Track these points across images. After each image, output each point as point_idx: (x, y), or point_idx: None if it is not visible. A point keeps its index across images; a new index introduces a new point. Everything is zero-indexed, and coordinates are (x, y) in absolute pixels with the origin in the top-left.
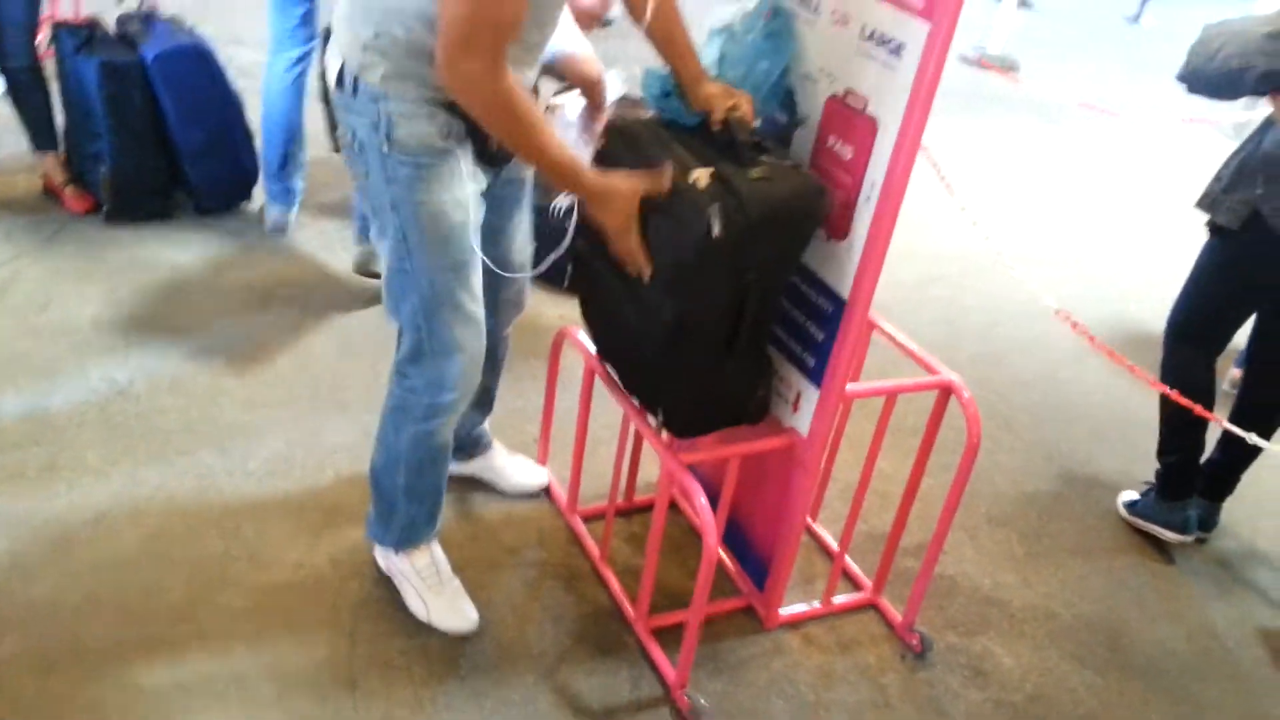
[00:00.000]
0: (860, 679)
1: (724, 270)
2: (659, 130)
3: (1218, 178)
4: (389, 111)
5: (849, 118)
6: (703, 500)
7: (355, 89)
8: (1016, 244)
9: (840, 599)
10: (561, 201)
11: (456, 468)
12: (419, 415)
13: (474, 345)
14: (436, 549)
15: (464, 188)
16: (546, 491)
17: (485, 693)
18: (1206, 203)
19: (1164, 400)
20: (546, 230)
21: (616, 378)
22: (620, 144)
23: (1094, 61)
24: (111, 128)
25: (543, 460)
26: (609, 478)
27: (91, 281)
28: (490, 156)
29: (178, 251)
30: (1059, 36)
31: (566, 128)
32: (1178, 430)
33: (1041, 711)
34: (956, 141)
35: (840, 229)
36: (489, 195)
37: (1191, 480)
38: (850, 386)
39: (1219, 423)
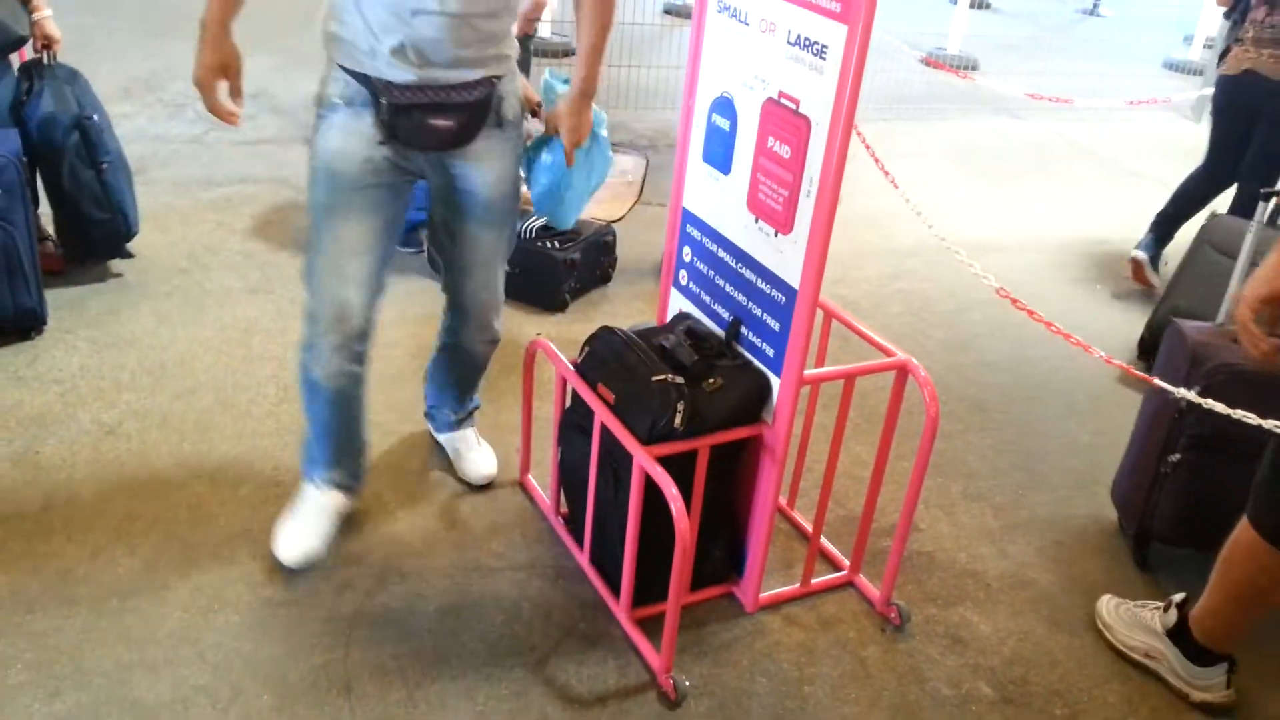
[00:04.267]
0: (841, 653)
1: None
2: (633, 339)
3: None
4: (322, 75)
5: (784, 118)
6: (674, 490)
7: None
8: (973, 232)
9: (819, 580)
10: (534, 221)
11: (437, 434)
12: (300, 343)
13: (333, 289)
14: (322, 495)
15: (355, 144)
16: (530, 498)
17: (477, 688)
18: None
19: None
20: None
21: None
22: (602, 349)
23: (1053, 54)
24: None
25: (525, 469)
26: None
27: (75, 332)
28: (400, 134)
29: (157, 302)
30: (1018, 34)
31: None
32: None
33: (1019, 673)
34: (915, 140)
35: (785, 223)
36: (435, 191)
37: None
38: (809, 371)
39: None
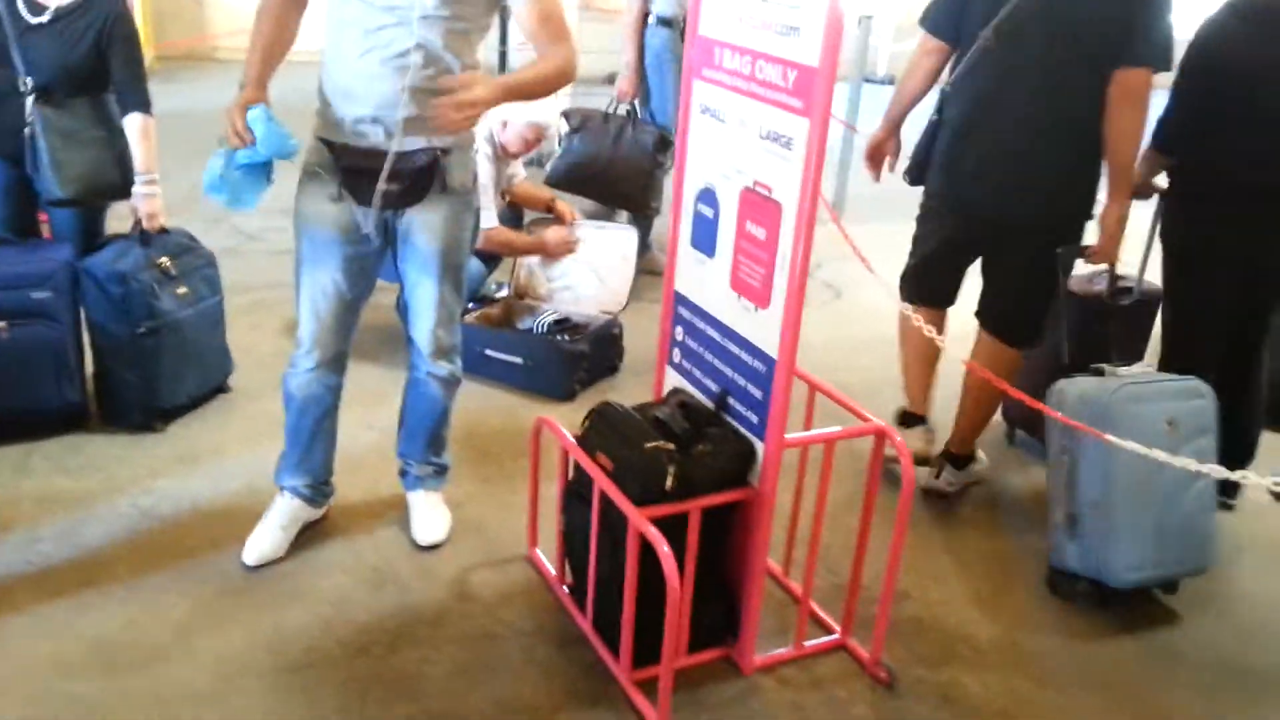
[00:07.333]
0: (831, 711)
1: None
2: (630, 413)
3: None
4: (307, 147)
5: (759, 204)
6: (666, 549)
7: None
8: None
9: (812, 643)
10: (547, 316)
11: (406, 491)
12: (288, 361)
13: (311, 325)
14: (286, 501)
15: (321, 204)
16: (538, 570)
17: None
18: None
19: None
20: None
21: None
22: (601, 423)
23: None
24: None
25: (533, 542)
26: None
27: (113, 424)
28: (355, 192)
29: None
30: None
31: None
32: None
33: None
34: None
35: (764, 299)
36: (394, 241)
37: None
38: (791, 436)
39: None
